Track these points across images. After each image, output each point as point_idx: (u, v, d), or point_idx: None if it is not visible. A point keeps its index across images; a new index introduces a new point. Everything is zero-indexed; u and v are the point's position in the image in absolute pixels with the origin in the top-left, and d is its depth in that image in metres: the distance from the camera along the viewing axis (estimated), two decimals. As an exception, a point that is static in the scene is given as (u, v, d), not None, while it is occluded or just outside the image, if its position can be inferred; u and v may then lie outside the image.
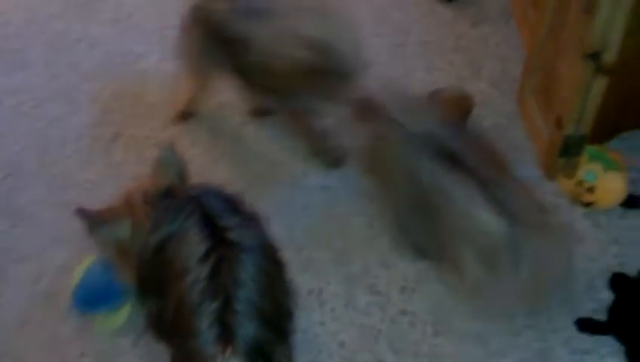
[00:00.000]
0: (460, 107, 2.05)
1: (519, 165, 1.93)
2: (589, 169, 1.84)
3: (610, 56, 1.63)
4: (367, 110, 1.76)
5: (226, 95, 2.17)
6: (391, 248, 1.85)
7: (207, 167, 2.03)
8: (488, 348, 1.66)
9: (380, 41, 2.32)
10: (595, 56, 1.63)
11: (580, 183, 1.84)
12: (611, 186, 1.84)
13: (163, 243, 1.37)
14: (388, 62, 2.26)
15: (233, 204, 1.45)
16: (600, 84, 1.68)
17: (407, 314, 1.74)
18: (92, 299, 1.70)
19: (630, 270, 1.73)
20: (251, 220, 1.46)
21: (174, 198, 1.43)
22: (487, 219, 1.49)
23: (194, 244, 1.34)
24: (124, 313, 1.71)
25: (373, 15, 2.40)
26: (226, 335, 1.26)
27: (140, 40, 2.38)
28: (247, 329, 1.28)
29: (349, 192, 1.97)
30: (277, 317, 1.36)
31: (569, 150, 1.81)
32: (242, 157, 2.07)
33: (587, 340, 1.65)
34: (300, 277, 1.80)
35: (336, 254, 1.85)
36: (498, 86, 2.16)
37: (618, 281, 1.67)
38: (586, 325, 1.66)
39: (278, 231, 1.87)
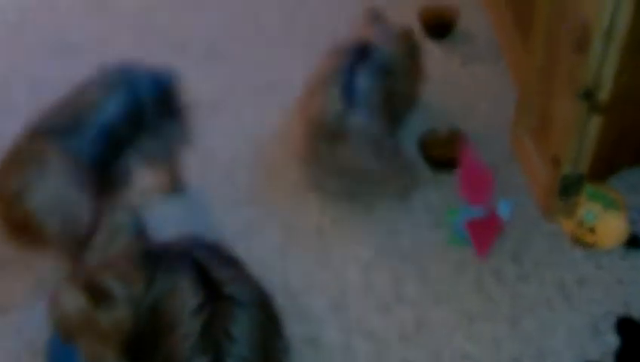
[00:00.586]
0: (456, 145, 2.04)
1: (516, 206, 1.92)
2: (588, 209, 1.81)
3: (604, 95, 1.62)
4: None
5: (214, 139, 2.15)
6: (389, 293, 1.80)
7: (196, 215, 1.99)
8: (492, 398, 1.61)
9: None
10: (588, 95, 1.61)
11: (581, 224, 1.81)
12: (612, 226, 1.81)
13: (155, 304, 1.32)
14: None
15: (226, 256, 1.41)
16: (595, 123, 1.66)
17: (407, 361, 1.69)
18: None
19: (635, 311, 1.69)
20: (245, 273, 1.41)
21: (163, 256, 1.38)
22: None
23: (187, 298, 1.29)
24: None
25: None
26: None
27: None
28: None
29: (343, 237, 1.93)
30: None
31: (568, 190, 1.79)
32: (232, 203, 2.03)
33: (594, 386, 1.60)
34: (296, 326, 1.74)
35: (332, 301, 1.80)
36: (492, 126, 2.14)
37: (625, 325, 1.63)
38: None
39: (272, 278, 1.84)
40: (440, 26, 2.41)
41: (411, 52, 2.09)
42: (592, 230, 1.80)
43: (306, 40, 2.46)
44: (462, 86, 2.26)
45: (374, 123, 1.87)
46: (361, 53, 1.95)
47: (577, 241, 1.83)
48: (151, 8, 2.62)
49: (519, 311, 1.74)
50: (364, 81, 1.89)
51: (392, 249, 1.90)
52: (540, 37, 1.81)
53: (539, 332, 1.70)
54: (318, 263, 1.88)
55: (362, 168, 1.89)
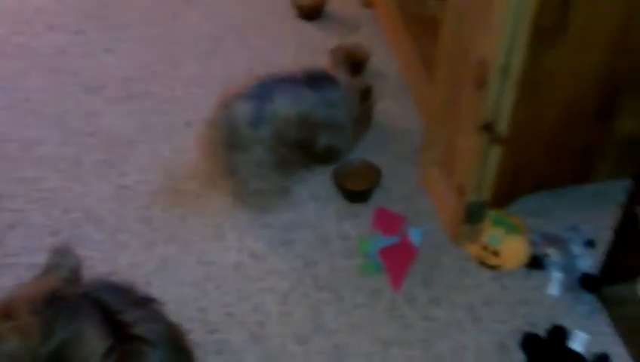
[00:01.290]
0: (368, 177, 2.12)
1: (426, 233, 2.01)
2: (492, 234, 1.92)
3: (502, 127, 1.73)
4: None
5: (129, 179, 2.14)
6: (306, 322, 1.83)
7: (112, 253, 1.97)
8: (409, 419, 1.65)
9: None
10: (488, 128, 1.72)
11: (485, 247, 1.91)
12: (514, 249, 1.91)
13: (58, 351, 1.29)
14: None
15: (132, 296, 1.40)
16: (495, 153, 1.78)
17: (326, 390, 1.71)
18: None
19: (539, 328, 1.78)
20: (155, 311, 1.40)
21: (65, 300, 1.35)
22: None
23: (94, 344, 1.27)
24: None
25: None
26: None
27: (38, 125, 2.32)
28: None
29: (261, 270, 1.96)
30: None
31: (472, 216, 1.89)
32: (149, 240, 2.02)
33: (504, 403, 1.67)
34: (215, 360, 1.74)
35: (251, 333, 1.81)
36: (403, 158, 2.24)
37: (529, 342, 1.72)
38: None
39: (190, 313, 1.84)
40: (352, 65, 2.52)
41: (362, 111, 2.19)
42: (496, 253, 1.90)
43: (222, 78, 2.51)
44: (375, 121, 2.35)
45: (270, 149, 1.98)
46: (312, 79, 2.06)
47: (483, 264, 1.93)
48: (65, 49, 2.60)
49: (432, 334, 1.81)
50: (284, 103, 1.99)
51: (309, 279, 1.93)
52: (443, 74, 1.93)
53: (451, 354, 1.77)
54: (236, 297, 1.89)
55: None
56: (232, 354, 1.77)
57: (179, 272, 1.94)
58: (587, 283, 1.85)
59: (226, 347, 1.78)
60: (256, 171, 2.03)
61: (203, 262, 1.97)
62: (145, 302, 1.40)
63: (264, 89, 2.02)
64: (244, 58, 2.60)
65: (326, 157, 2.15)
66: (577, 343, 1.71)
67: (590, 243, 1.94)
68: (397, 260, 1.93)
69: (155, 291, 1.87)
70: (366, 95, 2.19)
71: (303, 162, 2.13)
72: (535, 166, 1.96)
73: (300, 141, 2.05)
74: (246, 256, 1.99)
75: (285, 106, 2.00)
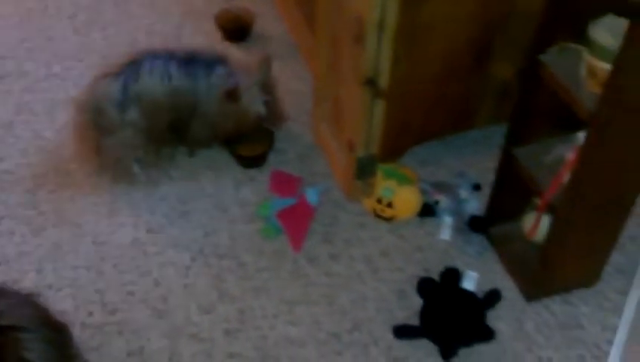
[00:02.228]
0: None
1: (324, 191, 2.04)
2: (385, 186, 1.97)
3: (383, 82, 1.76)
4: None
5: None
6: (210, 291, 1.83)
7: (1, 241, 1.88)
8: (316, 373, 1.70)
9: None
10: (371, 83, 1.75)
11: (380, 200, 1.97)
12: (407, 199, 1.98)
13: None
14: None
15: None
16: (380, 107, 1.81)
17: (234, 356, 1.72)
18: None
19: (434, 273, 1.86)
20: (21, 298, 1.35)
21: None
22: None
23: None
24: None
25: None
26: None
27: None
28: None
29: (160, 244, 1.93)
30: None
31: (363, 171, 1.93)
32: (37, 225, 1.94)
33: (405, 346, 1.75)
34: (117, 340, 1.72)
35: (153, 309, 1.79)
36: (296, 119, 2.25)
37: (424, 286, 1.79)
38: (401, 332, 1.75)
39: (88, 296, 1.80)
40: (238, 30, 2.48)
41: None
42: (390, 205, 1.95)
43: (103, 51, 2.41)
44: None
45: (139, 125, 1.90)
46: (185, 55, 1.95)
47: (379, 216, 1.98)
48: None
49: (334, 289, 1.85)
50: (151, 83, 1.90)
51: (210, 248, 1.93)
52: (325, 32, 1.93)
53: (353, 306, 1.82)
54: (136, 274, 1.86)
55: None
56: (134, 332, 1.74)
57: (72, 255, 1.88)
58: (475, 224, 1.94)
59: (129, 326, 1.76)
60: (127, 153, 1.95)
61: (97, 243, 1.92)
62: (5, 293, 1.35)
63: (134, 67, 1.91)
64: (126, 28, 2.50)
65: (190, 143, 2.07)
66: (469, 282, 1.80)
67: (476, 187, 2.03)
68: (295, 222, 1.95)
69: (48, 277, 1.82)
70: (266, 89, 2.03)
71: (177, 144, 2.06)
72: (420, 117, 2.02)
73: (172, 123, 1.96)
74: (143, 232, 1.95)
75: (152, 86, 1.90)
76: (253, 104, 1.99)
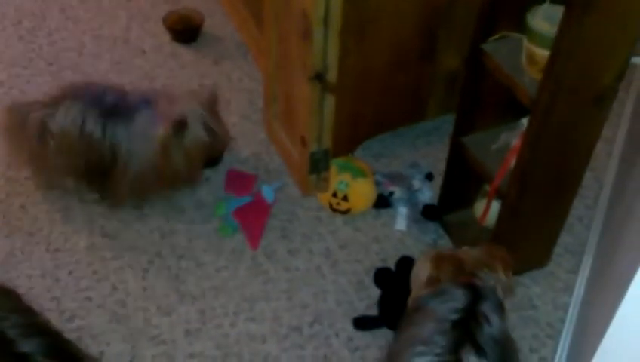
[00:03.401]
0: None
1: (280, 188, 2.05)
2: (339, 180, 1.99)
3: (332, 76, 1.78)
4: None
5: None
6: (169, 293, 1.82)
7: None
8: (278, 367, 1.71)
9: (126, 91, 2.29)
10: (319, 78, 1.77)
11: (335, 194, 1.99)
12: (362, 191, 2.00)
13: None
14: (137, 111, 2.24)
15: None
16: (330, 102, 1.83)
17: (195, 356, 1.72)
18: None
19: (391, 264, 1.89)
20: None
21: None
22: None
23: None
24: None
25: (115, 65, 2.37)
26: None
27: None
28: None
29: (116, 248, 1.91)
30: None
31: (317, 166, 1.94)
32: (-9, 234, 1.91)
33: (366, 336, 1.77)
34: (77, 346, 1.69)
35: (112, 314, 1.78)
36: (248, 117, 2.25)
37: (380, 276, 1.82)
38: (361, 323, 1.78)
39: (44, 304, 1.77)
40: (187, 31, 2.47)
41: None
42: (345, 198, 1.98)
43: (50, 57, 2.37)
44: (215, 84, 2.33)
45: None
46: (112, 100, 1.84)
47: (335, 210, 2.00)
48: None
49: (294, 283, 1.87)
50: (64, 118, 1.82)
51: (168, 250, 1.92)
52: (273, 29, 1.94)
53: (313, 299, 1.84)
54: (93, 280, 1.84)
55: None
56: (93, 338, 1.73)
57: (26, 264, 1.86)
58: (429, 213, 1.98)
59: (88, 331, 1.74)
60: (56, 173, 1.92)
61: (52, 250, 1.89)
62: None
63: (54, 105, 1.84)
64: (72, 33, 2.47)
65: (112, 196, 1.95)
66: None
67: (429, 177, 2.07)
68: (251, 220, 1.96)
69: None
70: (180, 127, 1.83)
71: (101, 194, 1.97)
72: (372, 110, 2.05)
73: (89, 169, 1.88)
74: (99, 237, 1.93)
75: (64, 127, 1.82)
76: (199, 132, 1.86)
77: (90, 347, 1.70)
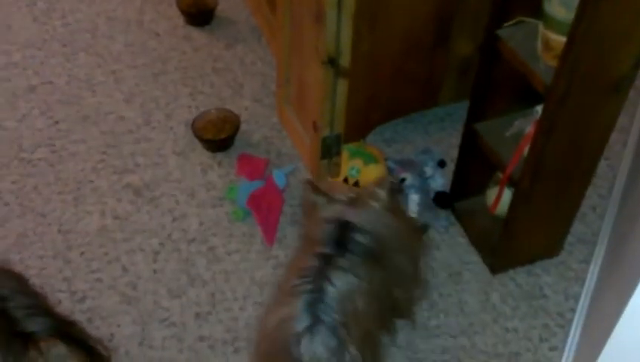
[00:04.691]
0: (227, 124, 2.11)
1: (291, 173, 2.04)
2: (351, 165, 1.98)
3: (345, 61, 1.77)
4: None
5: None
6: (179, 276, 1.83)
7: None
8: (287, 352, 1.71)
9: (139, 73, 2.30)
10: (332, 62, 1.76)
11: (346, 180, 1.98)
12: (373, 177, 1.98)
13: None
14: (150, 92, 2.24)
15: None
16: (342, 87, 1.82)
17: (205, 339, 1.73)
18: None
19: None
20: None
21: None
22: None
23: None
24: None
25: (128, 47, 2.37)
26: None
27: None
28: None
29: (127, 231, 1.92)
30: None
31: (328, 151, 1.93)
32: (1, 216, 1.92)
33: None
34: (87, 328, 1.70)
35: (123, 296, 1.79)
36: (260, 101, 2.25)
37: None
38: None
39: (55, 285, 1.79)
40: (200, 14, 2.46)
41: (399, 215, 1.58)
42: (356, 184, 1.97)
43: (63, 39, 2.37)
44: (229, 68, 2.33)
45: (343, 349, 1.36)
46: (340, 243, 1.42)
47: (346, 196, 1.99)
48: None
49: (303, 269, 1.86)
50: (338, 285, 1.38)
51: (179, 233, 1.92)
52: (286, 13, 1.93)
53: (322, 285, 1.83)
54: (103, 262, 1.85)
55: None
56: (104, 319, 1.74)
57: (38, 245, 1.87)
58: (441, 200, 1.97)
59: (98, 313, 1.75)
60: None
61: (63, 231, 1.90)
62: None
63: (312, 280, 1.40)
64: (86, 15, 2.47)
65: None
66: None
67: (441, 164, 2.05)
68: (266, 214, 1.94)
69: (15, 268, 1.80)
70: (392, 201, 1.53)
71: None
72: (384, 96, 2.03)
73: None
74: (110, 219, 1.94)
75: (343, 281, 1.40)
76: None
77: (101, 328, 1.72)
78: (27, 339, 1.26)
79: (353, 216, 1.43)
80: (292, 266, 1.50)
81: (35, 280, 1.78)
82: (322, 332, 1.33)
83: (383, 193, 1.47)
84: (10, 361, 1.25)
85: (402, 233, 1.52)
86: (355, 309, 1.38)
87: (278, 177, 1.99)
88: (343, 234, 1.41)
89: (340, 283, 1.36)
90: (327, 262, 1.38)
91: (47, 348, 1.23)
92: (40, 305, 1.36)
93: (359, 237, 1.41)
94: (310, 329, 1.33)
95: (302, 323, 1.34)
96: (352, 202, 1.46)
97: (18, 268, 1.80)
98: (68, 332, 1.36)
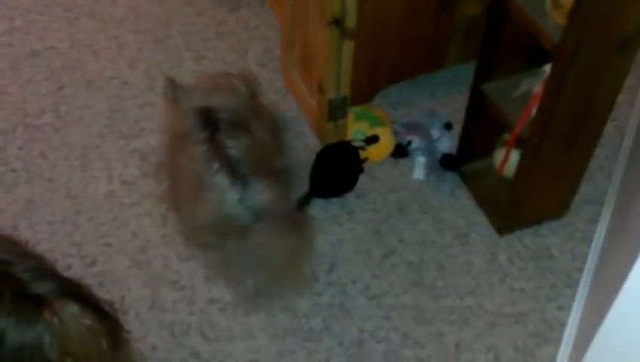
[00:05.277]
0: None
1: (297, 136, 2.04)
2: (357, 128, 1.97)
3: (351, 21, 1.75)
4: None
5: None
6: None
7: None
8: (296, 311, 1.73)
9: (142, 37, 2.28)
10: (338, 22, 1.74)
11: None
12: (379, 140, 1.98)
13: None
14: (153, 57, 2.22)
15: None
16: (348, 48, 1.80)
17: (215, 301, 1.75)
18: None
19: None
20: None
21: None
22: (222, 188, 1.54)
23: None
24: None
25: (131, 12, 2.34)
26: None
27: None
28: None
29: (135, 195, 1.92)
30: None
31: (335, 113, 1.93)
32: (9, 182, 1.92)
33: (383, 283, 1.78)
34: (98, 291, 1.69)
35: (132, 259, 1.80)
36: (265, 65, 2.23)
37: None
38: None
39: (65, 250, 1.80)
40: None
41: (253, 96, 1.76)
42: (362, 147, 1.96)
43: (65, 3, 2.35)
44: (232, 32, 2.31)
45: (273, 188, 1.58)
46: (210, 123, 1.59)
47: (352, 159, 1.99)
48: None
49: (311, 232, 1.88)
50: (236, 150, 1.56)
51: (186, 198, 1.93)
52: (290, -26, 1.90)
53: (330, 247, 1.84)
54: (112, 226, 1.86)
55: (279, 248, 1.63)
56: (114, 283, 1.76)
57: (47, 210, 1.88)
58: (447, 162, 1.96)
59: (109, 277, 1.77)
60: None
61: (71, 196, 1.91)
62: None
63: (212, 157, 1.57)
64: (87, -21, 2.43)
65: None
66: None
67: (448, 126, 2.04)
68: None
69: (24, 233, 1.82)
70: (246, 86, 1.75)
71: None
72: (390, 58, 2.01)
73: None
74: (117, 184, 1.94)
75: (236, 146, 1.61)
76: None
77: (112, 291, 1.73)
78: (38, 301, 1.27)
79: (213, 101, 1.63)
80: (175, 164, 1.66)
81: (45, 246, 1.80)
82: (250, 186, 1.53)
83: (241, 86, 1.70)
84: (24, 324, 1.27)
85: (257, 109, 1.73)
86: (255, 161, 1.59)
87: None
88: (209, 117, 1.59)
89: (234, 147, 1.56)
90: (211, 140, 1.56)
91: (61, 308, 1.24)
92: (45, 268, 1.37)
93: (223, 115, 1.60)
94: (239, 187, 1.53)
95: (234, 194, 1.52)
96: (210, 91, 1.67)
97: (27, 233, 1.82)
98: (76, 292, 1.37)
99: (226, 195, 1.53)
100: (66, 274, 1.69)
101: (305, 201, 1.89)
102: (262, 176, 1.56)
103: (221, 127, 1.58)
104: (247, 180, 1.53)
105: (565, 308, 1.75)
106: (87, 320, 1.27)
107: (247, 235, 1.55)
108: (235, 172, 1.53)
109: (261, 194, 1.54)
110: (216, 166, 1.54)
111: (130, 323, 1.67)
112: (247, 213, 1.53)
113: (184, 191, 1.65)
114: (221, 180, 1.53)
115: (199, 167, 1.56)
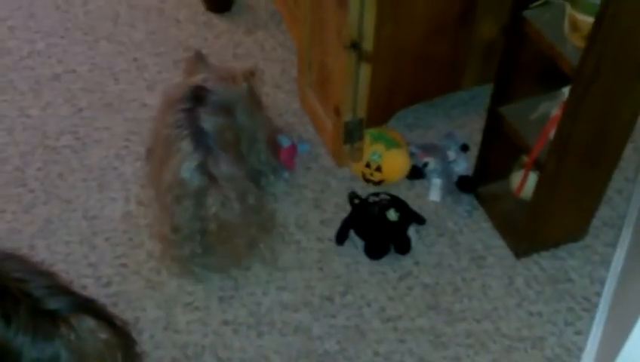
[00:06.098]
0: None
1: (313, 158, 2.04)
2: (373, 150, 1.97)
3: (368, 45, 1.76)
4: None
5: None
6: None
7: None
8: (311, 334, 1.72)
9: (161, 60, 2.30)
10: (355, 46, 1.75)
11: (368, 164, 1.97)
12: (395, 162, 1.98)
13: None
14: (172, 79, 2.24)
15: None
16: (365, 71, 1.81)
17: (229, 323, 1.74)
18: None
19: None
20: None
21: None
22: (185, 153, 1.64)
23: None
24: None
25: (150, 35, 2.38)
26: None
27: None
28: None
29: (150, 216, 1.93)
30: None
31: (351, 135, 1.93)
32: (27, 202, 1.94)
33: (398, 306, 1.77)
34: (114, 312, 1.73)
35: (147, 280, 1.81)
36: (281, 87, 2.24)
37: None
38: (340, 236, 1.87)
39: (81, 270, 1.81)
40: (220, 0, 2.46)
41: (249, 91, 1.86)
42: (378, 169, 1.96)
43: (87, 26, 2.39)
44: (249, 54, 2.33)
45: (237, 167, 1.71)
46: (197, 98, 1.72)
47: (368, 181, 1.99)
48: None
49: (326, 254, 1.87)
50: (211, 125, 1.68)
51: (201, 219, 1.93)
52: (308, -3, 1.92)
53: (345, 269, 1.84)
54: (128, 247, 1.87)
55: (231, 220, 1.69)
56: (129, 303, 1.76)
57: (64, 231, 1.89)
58: (464, 184, 1.95)
59: (124, 297, 1.77)
60: None
61: (88, 217, 1.92)
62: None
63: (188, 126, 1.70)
64: (107, 2, 2.47)
65: None
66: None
67: (464, 148, 2.04)
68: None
69: (41, 254, 1.83)
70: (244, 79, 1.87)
71: None
72: (407, 80, 2.01)
73: None
74: (134, 205, 1.96)
75: (212, 122, 1.74)
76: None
77: (126, 312, 1.73)
78: (54, 317, 1.27)
79: (210, 85, 1.74)
80: (157, 128, 1.78)
81: (61, 266, 1.81)
82: (212, 157, 1.64)
83: (244, 84, 1.82)
84: (41, 340, 1.27)
85: (253, 104, 1.86)
86: (227, 141, 1.71)
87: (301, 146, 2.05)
88: (198, 94, 1.72)
89: (209, 123, 1.67)
90: (190, 112, 1.68)
91: (77, 323, 1.24)
92: (58, 284, 1.37)
93: (211, 96, 1.72)
94: (200, 155, 1.63)
95: (193, 160, 1.63)
96: (215, 77, 1.77)
97: (44, 253, 1.83)
98: (89, 307, 1.38)
99: (186, 160, 1.63)
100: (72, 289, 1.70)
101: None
102: (227, 153, 1.67)
103: (205, 104, 1.70)
104: (211, 152, 1.64)
105: (583, 333, 1.73)
106: (103, 334, 1.27)
107: (201, 203, 1.64)
108: (201, 141, 1.64)
109: (221, 166, 1.64)
110: (185, 132, 1.65)
111: (145, 344, 1.67)
112: (202, 181, 1.62)
113: (156, 158, 1.76)
114: (186, 146, 1.64)
115: (171, 132, 1.67)
